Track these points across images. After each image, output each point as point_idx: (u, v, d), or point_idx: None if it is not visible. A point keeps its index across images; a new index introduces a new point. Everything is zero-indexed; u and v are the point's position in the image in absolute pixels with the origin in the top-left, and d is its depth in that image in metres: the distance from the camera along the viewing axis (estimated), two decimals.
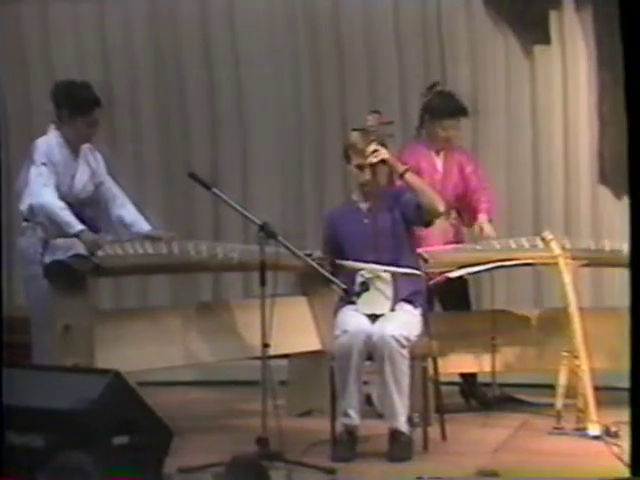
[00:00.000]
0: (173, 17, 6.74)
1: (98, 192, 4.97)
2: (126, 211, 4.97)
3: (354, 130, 4.69)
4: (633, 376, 3.27)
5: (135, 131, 6.78)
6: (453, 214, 5.54)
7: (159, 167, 6.78)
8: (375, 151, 4.53)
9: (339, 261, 4.59)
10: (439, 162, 5.52)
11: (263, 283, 4.28)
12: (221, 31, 6.73)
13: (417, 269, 4.69)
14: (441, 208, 4.60)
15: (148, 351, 4.76)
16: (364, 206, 4.68)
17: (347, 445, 4.46)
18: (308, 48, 6.67)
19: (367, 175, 4.59)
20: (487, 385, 5.44)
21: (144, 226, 4.95)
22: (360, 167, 4.59)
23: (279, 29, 6.69)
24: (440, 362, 4.89)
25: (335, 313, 4.64)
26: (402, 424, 4.43)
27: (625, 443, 4.07)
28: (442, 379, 4.96)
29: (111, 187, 5.02)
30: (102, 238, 4.75)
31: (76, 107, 4.79)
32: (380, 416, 4.59)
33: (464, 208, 5.56)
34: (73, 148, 4.88)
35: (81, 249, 4.61)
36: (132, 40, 6.76)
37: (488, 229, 5.40)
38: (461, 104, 5.50)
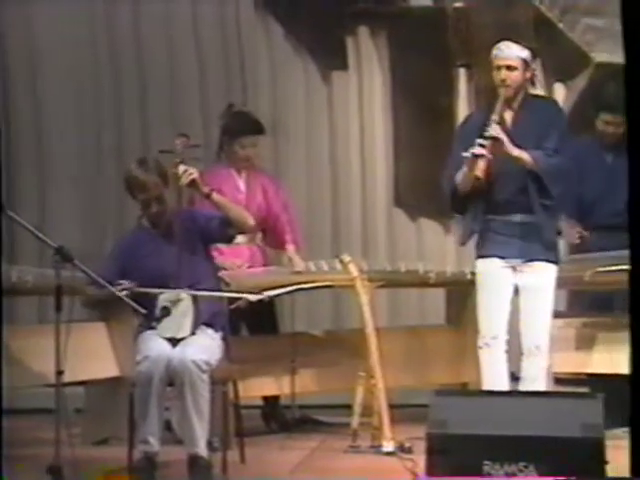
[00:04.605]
0: None
1: None
2: None
3: (161, 152, 4.65)
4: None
5: None
6: (259, 235, 5.58)
7: None
8: (186, 171, 4.50)
9: (141, 289, 4.50)
10: (241, 183, 5.55)
11: (59, 308, 4.17)
12: (20, 48, 6.56)
13: (218, 292, 4.67)
14: (251, 221, 4.61)
15: None
16: (158, 231, 4.63)
17: (145, 472, 4.39)
18: (110, 70, 6.60)
19: (154, 208, 4.55)
20: (288, 407, 5.49)
21: None
22: (146, 202, 4.55)
23: (80, 47, 6.58)
24: (241, 386, 4.88)
25: (135, 338, 4.56)
26: (201, 449, 4.39)
27: (418, 457, 4.20)
28: (244, 402, 4.96)
29: None
30: None
31: None
32: (180, 442, 4.54)
33: (269, 229, 5.60)
34: None
35: None
36: None
37: (297, 261, 5.45)
38: (258, 122, 5.56)
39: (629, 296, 3.46)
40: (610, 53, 6.19)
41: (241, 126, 5.48)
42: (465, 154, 4.57)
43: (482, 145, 4.54)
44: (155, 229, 4.61)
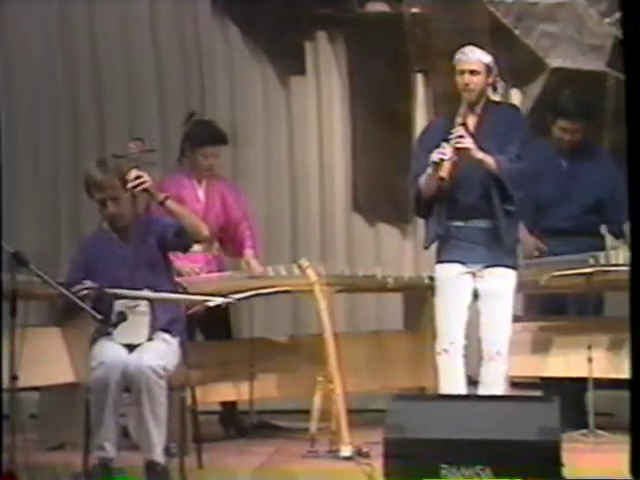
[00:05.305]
0: None
1: None
2: None
3: (114, 156, 4.61)
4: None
5: None
6: (216, 244, 5.55)
7: None
8: (138, 178, 4.47)
9: (95, 286, 4.47)
10: (201, 192, 5.53)
11: (14, 313, 4.14)
12: None
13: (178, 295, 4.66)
14: (205, 231, 4.59)
15: None
16: (116, 235, 4.61)
17: (101, 478, 4.36)
18: (65, 71, 6.54)
19: (111, 208, 4.52)
20: (246, 413, 5.47)
21: None
22: (102, 202, 4.52)
23: (35, 48, 6.51)
24: (199, 391, 4.87)
25: (91, 344, 4.53)
26: (158, 455, 4.37)
27: (376, 462, 4.21)
28: (202, 408, 4.95)
29: None
30: None
31: None
32: (136, 447, 4.52)
33: (227, 238, 5.57)
34: None
35: None
36: None
37: (255, 265, 5.43)
38: (221, 132, 5.54)
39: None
40: (565, 58, 6.27)
41: (204, 136, 5.44)
42: (433, 159, 4.60)
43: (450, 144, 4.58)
44: (114, 232, 4.59)
